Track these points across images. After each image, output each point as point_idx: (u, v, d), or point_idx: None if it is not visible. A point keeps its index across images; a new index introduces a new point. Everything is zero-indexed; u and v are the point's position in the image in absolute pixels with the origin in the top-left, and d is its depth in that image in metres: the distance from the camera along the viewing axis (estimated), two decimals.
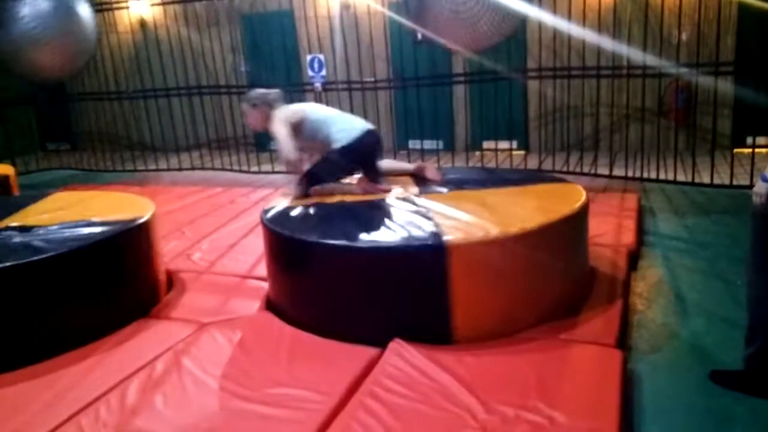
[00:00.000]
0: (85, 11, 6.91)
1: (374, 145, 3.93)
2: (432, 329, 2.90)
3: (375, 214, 3.39)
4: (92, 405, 2.59)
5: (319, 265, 3.13)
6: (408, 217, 3.26)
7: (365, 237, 3.00)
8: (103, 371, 2.87)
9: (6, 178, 6.23)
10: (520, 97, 7.86)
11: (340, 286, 3.06)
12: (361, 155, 3.82)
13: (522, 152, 7.75)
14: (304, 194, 3.78)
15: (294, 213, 3.51)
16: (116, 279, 3.39)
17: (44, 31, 6.48)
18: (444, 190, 3.83)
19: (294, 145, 3.69)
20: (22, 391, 2.75)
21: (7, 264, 2.96)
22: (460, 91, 8.15)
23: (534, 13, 6.09)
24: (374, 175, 3.91)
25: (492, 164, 7.01)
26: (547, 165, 6.83)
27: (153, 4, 8.87)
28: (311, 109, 3.97)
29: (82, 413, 2.53)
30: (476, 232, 2.90)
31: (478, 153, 7.91)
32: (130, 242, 3.51)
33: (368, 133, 3.84)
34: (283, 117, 3.79)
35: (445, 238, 2.85)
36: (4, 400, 2.69)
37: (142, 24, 9.33)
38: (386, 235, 3.01)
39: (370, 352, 2.83)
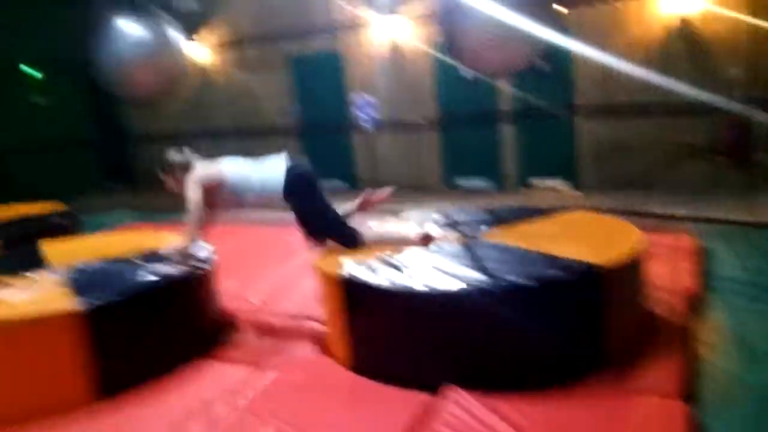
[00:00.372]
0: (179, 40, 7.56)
1: (309, 172, 3.80)
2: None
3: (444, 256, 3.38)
4: None
5: (378, 309, 3.14)
6: (489, 256, 3.25)
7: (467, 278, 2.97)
8: (165, 411, 2.94)
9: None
10: (569, 134, 7.82)
11: (415, 330, 3.04)
12: (307, 186, 3.71)
13: (572, 190, 7.68)
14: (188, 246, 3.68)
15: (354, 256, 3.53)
16: (183, 317, 3.51)
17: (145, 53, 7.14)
18: (484, 228, 3.85)
19: (201, 213, 3.60)
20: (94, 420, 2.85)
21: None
22: (507, 129, 8.17)
23: (581, 48, 6.11)
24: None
25: (541, 203, 6.96)
26: (599, 202, 6.74)
27: (203, 47, 9.23)
28: (228, 168, 3.76)
29: None
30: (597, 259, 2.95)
31: (527, 190, 7.87)
32: (196, 282, 3.63)
33: (295, 166, 3.73)
34: (197, 180, 3.62)
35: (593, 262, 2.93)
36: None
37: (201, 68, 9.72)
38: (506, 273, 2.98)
39: (424, 397, 2.83)
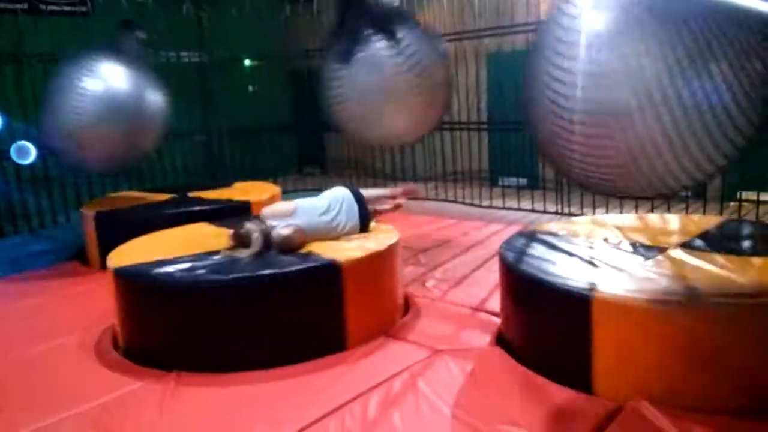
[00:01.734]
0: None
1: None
2: None
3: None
4: (338, 411, 2.84)
5: (558, 307, 3.06)
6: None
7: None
8: (349, 381, 3.13)
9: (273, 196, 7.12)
10: None
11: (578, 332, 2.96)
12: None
13: None
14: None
15: (535, 251, 3.48)
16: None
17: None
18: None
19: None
20: (275, 390, 3.11)
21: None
22: None
23: None
24: None
25: (750, 216, 6.26)
26: None
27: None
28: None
29: (329, 417, 2.79)
30: None
31: (733, 204, 7.11)
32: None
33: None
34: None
35: None
36: (258, 396, 3.07)
37: None
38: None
39: (607, 405, 2.71)
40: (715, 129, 2.27)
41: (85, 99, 5.14)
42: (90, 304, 4.48)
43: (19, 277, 5.52)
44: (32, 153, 6.91)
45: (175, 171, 9.18)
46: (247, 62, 10.59)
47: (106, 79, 5.30)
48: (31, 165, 7.23)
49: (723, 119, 2.25)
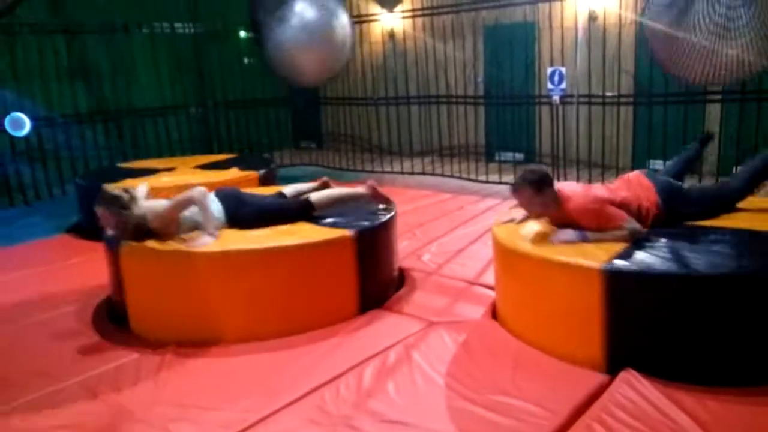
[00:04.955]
0: (344, 22, 7.57)
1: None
2: None
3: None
4: (333, 381, 2.88)
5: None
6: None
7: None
8: (344, 353, 3.16)
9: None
10: None
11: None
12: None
13: None
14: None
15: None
16: (367, 267, 3.71)
17: (309, 39, 7.14)
18: None
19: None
20: (272, 361, 3.14)
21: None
22: (715, 111, 7.43)
23: None
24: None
25: None
26: None
27: (404, 17, 9.46)
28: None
29: (325, 387, 2.83)
30: None
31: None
32: (379, 235, 3.82)
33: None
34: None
35: None
36: (254, 367, 3.10)
37: (391, 35, 9.99)
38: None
39: (598, 377, 2.75)
40: None
41: None
42: (85, 276, 4.49)
43: (14, 249, 5.52)
44: (27, 125, 6.87)
45: (170, 144, 9.13)
46: (242, 33, 10.45)
47: None
48: (26, 137, 7.20)
49: None
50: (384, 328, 3.44)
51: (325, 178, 4.41)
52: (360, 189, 4.14)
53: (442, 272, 4.36)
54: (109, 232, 3.58)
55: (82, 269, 4.74)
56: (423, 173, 8.58)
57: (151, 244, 3.43)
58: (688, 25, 4.64)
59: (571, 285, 2.87)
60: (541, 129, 8.62)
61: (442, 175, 8.40)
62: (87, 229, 5.63)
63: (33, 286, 4.44)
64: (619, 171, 6.49)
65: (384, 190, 4.69)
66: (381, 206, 4.10)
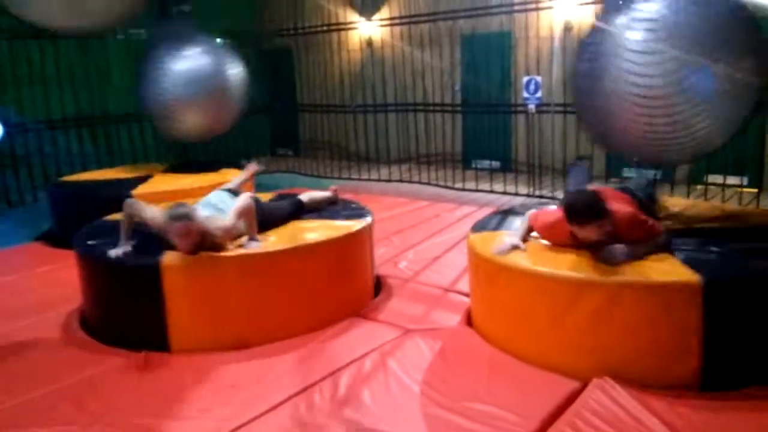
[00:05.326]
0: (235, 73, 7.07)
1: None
2: None
3: None
4: (308, 390, 2.86)
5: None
6: None
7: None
8: (319, 361, 3.15)
9: None
10: (755, 128, 7.06)
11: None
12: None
13: (753, 190, 6.97)
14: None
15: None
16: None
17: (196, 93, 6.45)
18: None
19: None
20: (244, 370, 3.11)
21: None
22: None
23: None
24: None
25: (717, 200, 6.40)
26: None
27: (382, 25, 9.49)
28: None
29: (300, 395, 2.81)
30: None
31: (700, 187, 7.27)
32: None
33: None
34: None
35: None
36: (227, 376, 3.07)
37: (369, 43, 10.02)
38: None
39: (572, 384, 2.77)
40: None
41: None
42: (57, 284, 4.41)
43: None
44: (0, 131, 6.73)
45: (145, 151, 9.02)
46: (218, 41, 10.40)
47: None
48: None
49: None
50: (360, 336, 3.43)
51: (334, 187, 4.69)
52: (327, 193, 4.56)
53: (419, 279, 4.37)
54: (181, 245, 3.30)
55: (54, 277, 4.66)
56: (400, 180, 8.60)
57: (207, 253, 3.34)
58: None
59: (567, 297, 2.85)
60: (518, 137, 8.69)
61: (419, 182, 8.43)
62: (58, 237, 5.55)
63: (3, 293, 4.35)
64: (593, 179, 6.57)
65: (361, 198, 4.74)
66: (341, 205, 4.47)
